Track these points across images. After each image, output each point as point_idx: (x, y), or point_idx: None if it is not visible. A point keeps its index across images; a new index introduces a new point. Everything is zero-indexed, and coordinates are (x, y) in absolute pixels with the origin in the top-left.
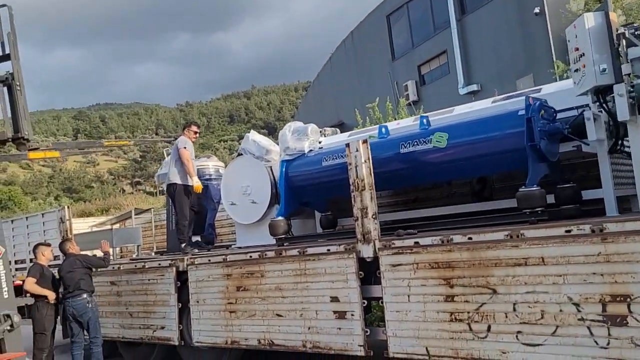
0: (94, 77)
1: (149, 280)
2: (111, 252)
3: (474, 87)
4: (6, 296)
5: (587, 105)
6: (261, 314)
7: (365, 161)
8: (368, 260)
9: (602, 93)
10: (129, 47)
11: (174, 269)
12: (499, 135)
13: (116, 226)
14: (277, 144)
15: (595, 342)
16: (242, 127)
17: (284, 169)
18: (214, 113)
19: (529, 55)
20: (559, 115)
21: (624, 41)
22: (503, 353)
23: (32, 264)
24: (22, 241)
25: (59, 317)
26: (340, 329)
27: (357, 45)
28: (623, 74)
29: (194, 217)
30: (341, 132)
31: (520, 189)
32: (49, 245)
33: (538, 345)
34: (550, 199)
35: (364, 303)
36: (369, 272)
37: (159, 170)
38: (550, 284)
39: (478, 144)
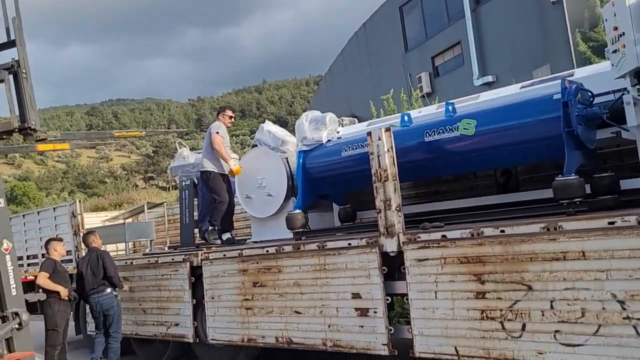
0: (107, 73)
1: (162, 275)
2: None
3: (489, 78)
4: (14, 293)
5: (625, 89)
6: (279, 311)
7: (388, 150)
8: (392, 254)
9: None
10: (140, 42)
11: (188, 264)
12: (532, 121)
13: (129, 220)
14: (293, 135)
15: None
16: (254, 121)
17: (301, 160)
18: None
19: (546, 44)
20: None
21: None
22: (539, 354)
23: (44, 258)
24: (34, 236)
25: (72, 313)
26: (362, 326)
27: (370, 37)
28: None
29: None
30: None
31: (556, 178)
32: (61, 240)
33: (578, 345)
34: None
35: (387, 300)
36: (392, 268)
37: (171, 163)
38: (591, 280)
39: (509, 131)
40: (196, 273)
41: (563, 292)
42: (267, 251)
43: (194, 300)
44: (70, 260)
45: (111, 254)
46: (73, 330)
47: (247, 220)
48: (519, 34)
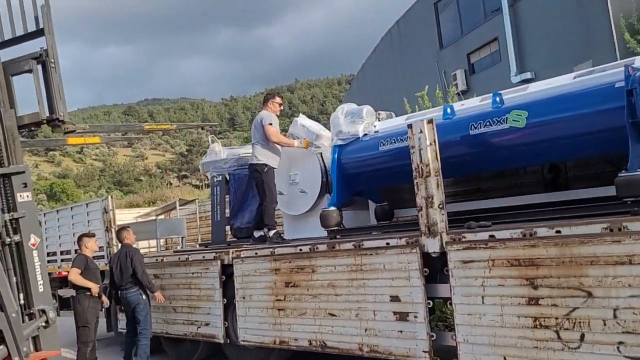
0: (142, 72)
1: (192, 273)
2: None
3: (528, 75)
4: (41, 290)
5: None
6: (312, 313)
7: (430, 144)
8: (434, 255)
9: None
10: (175, 42)
11: (219, 262)
12: (591, 112)
13: (161, 217)
14: (327, 129)
15: None
16: (286, 120)
17: (336, 155)
18: (257, 107)
19: (588, 39)
20: None
21: None
22: None
23: (76, 254)
24: (67, 231)
25: (103, 310)
26: (401, 332)
27: (403, 34)
28: None
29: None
30: None
31: (620, 174)
32: (93, 236)
33: None
34: None
35: (428, 304)
36: (433, 269)
37: (203, 158)
38: None
39: (565, 122)
40: (227, 271)
41: (628, 300)
42: (300, 250)
43: (225, 300)
44: (102, 257)
45: (143, 250)
46: (104, 328)
47: (279, 218)
48: (559, 28)
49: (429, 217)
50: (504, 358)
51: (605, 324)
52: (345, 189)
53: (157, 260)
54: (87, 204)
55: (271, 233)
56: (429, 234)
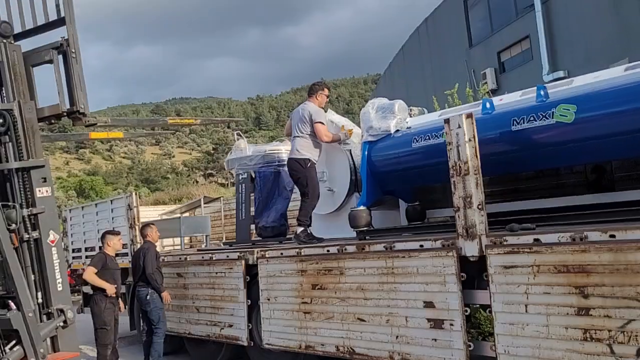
0: (170, 71)
1: (216, 273)
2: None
3: (560, 74)
4: (60, 288)
5: None
6: (340, 317)
7: (469, 140)
8: (472, 259)
9: None
10: (202, 42)
11: (243, 262)
12: None
13: (185, 215)
14: (357, 125)
15: None
16: None
17: (366, 152)
18: (283, 106)
19: (624, 37)
20: None
21: None
22: None
23: (97, 252)
24: (92, 228)
25: (126, 308)
26: (436, 340)
27: (432, 32)
28: None
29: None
30: None
31: None
32: (117, 233)
33: None
34: None
35: (466, 311)
36: (471, 274)
37: (228, 155)
38: None
39: (619, 118)
40: (252, 272)
41: None
42: (328, 251)
43: (249, 301)
44: (126, 254)
45: (167, 248)
46: (127, 325)
47: None
48: (593, 26)
49: (467, 219)
50: None
51: None
52: (376, 187)
53: (180, 258)
54: (111, 201)
55: (299, 230)
56: (466, 237)
